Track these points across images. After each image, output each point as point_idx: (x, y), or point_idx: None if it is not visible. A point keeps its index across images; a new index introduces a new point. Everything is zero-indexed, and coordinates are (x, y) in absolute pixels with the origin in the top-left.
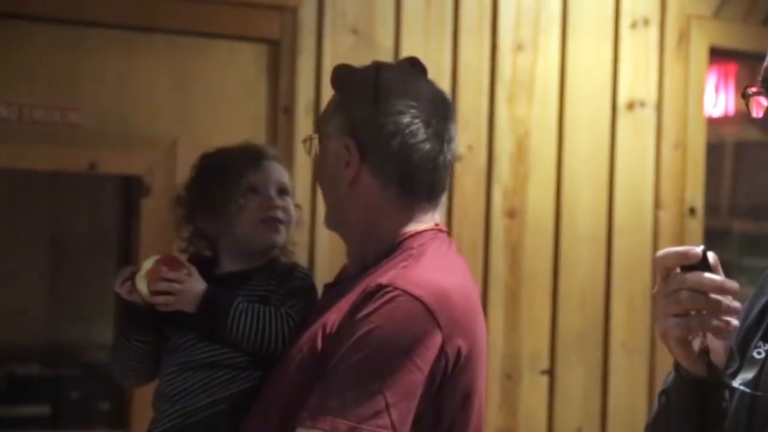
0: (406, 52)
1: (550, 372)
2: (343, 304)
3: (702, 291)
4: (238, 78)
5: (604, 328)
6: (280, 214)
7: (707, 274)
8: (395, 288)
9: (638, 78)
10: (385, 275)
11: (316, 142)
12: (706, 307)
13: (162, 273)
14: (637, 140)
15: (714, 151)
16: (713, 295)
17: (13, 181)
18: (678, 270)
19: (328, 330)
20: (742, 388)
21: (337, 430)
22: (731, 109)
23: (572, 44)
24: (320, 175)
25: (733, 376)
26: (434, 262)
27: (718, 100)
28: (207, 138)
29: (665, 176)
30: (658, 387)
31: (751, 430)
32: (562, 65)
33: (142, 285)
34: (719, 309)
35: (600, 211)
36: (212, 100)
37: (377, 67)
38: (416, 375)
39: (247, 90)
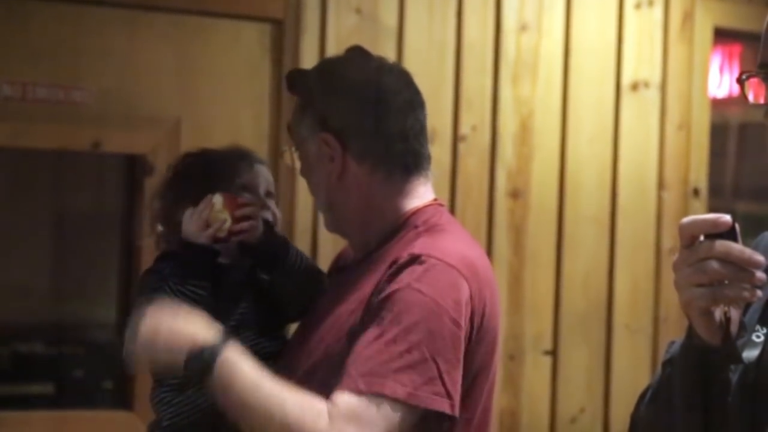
0: (409, 32)
1: (553, 353)
2: (365, 284)
3: (729, 261)
4: (241, 57)
5: (608, 308)
6: (268, 216)
7: (736, 245)
8: (430, 256)
9: (642, 58)
10: (411, 246)
11: (293, 150)
12: (733, 277)
13: (242, 199)
14: (641, 121)
15: (718, 132)
16: (741, 266)
17: (16, 160)
18: (702, 238)
19: (352, 318)
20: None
21: (395, 394)
22: (735, 90)
23: (576, 24)
24: (309, 180)
25: (742, 348)
26: (455, 236)
27: (722, 80)
28: (210, 117)
29: (669, 157)
30: (659, 368)
31: (754, 407)
32: (566, 45)
33: (224, 216)
34: (746, 280)
35: (604, 192)
36: (216, 79)
37: (326, 59)
38: (461, 342)
39: (251, 69)
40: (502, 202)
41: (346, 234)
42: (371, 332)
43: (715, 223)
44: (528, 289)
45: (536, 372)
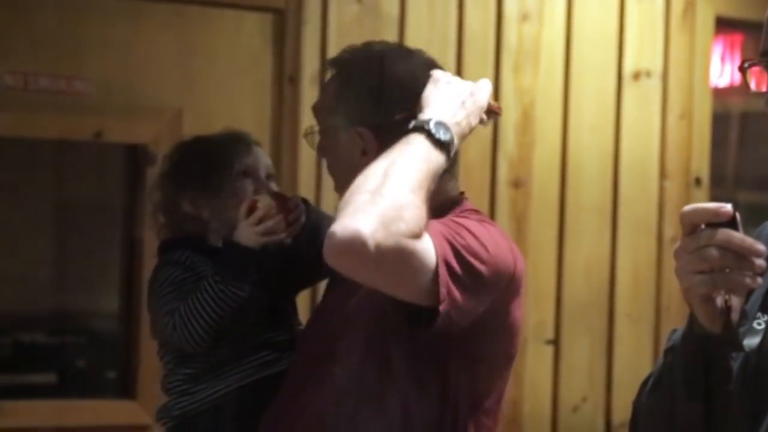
0: (411, 22)
1: (555, 342)
2: None
3: (730, 249)
4: (243, 47)
5: (609, 297)
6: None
7: (737, 233)
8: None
9: (644, 48)
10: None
11: (316, 135)
12: (733, 265)
13: (291, 202)
14: (642, 110)
15: (719, 121)
16: (742, 254)
17: (18, 150)
18: (703, 227)
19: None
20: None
21: (443, 249)
22: (737, 80)
23: (578, 14)
24: (333, 165)
25: (743, 336)
26: (490, 224)
27: (723, 70)
28: (212, 107)
29: (671, 146)
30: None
31: (756, 394)
32: (567, 35)
33: (282, 226)
34: (746, 267)
35: (605, 182)
36: (218, 69)
37: (370, 47)
38: (483, 277)
39: (253, 59)
40: (503, 191)
41: None
42: None
43: (716, 212)
44: (530, 278)
45: (538, 361)
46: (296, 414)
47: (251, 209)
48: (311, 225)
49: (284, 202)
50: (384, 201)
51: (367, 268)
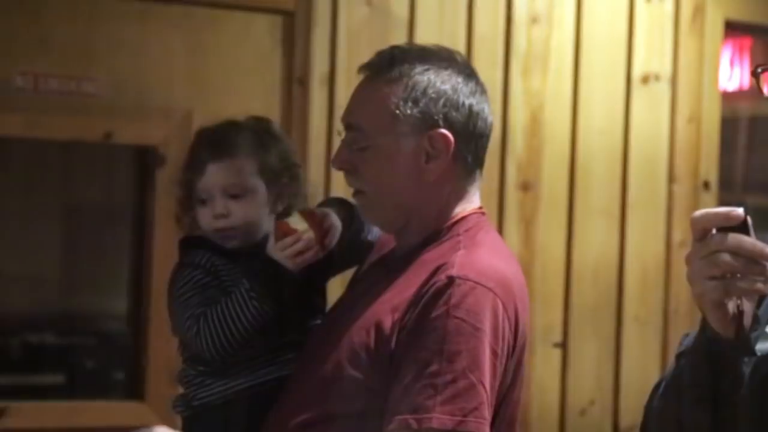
0: (420, 24)
1: (563, 345)
2: (403, 289)
3: (741, 254)
4: (253, 49)
5: (617, 301)
6: (221, 224)
7: (748, 238)
8: (467, 279)
9: (653, 51)
10: (450, 263)
11: (355, 151)
12: (745, 270)
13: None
14: (651, 114)
15: (728, 125)
16: (753, 258)
17: (28, 151)
18: (714, 231)
19: (389, 323)
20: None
21: (444, 427)
22: (746, 83)
23: (587, 17)
24: (376, 179)
25: (755, 340)
26: (491, 251)
27: (732, 73)
28: (222, 109)
29: (679, 150)
30: (671, 360)
31: (766, 399)
32: (576, 38)
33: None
34: (758, 272)
35: (614, 185)
36: (227, 70)
37: (423, 49)
38: (498, 369)
39: (262, 61)
40: (512, 194)
41: (388, 226)
42: (415, 366)
43: (727, 216)
44: (538, 281)
45: (546, 364)
46: None
47: (285, 233)
48: (356, 222)
49: (314, 219)
50: None
51: None
